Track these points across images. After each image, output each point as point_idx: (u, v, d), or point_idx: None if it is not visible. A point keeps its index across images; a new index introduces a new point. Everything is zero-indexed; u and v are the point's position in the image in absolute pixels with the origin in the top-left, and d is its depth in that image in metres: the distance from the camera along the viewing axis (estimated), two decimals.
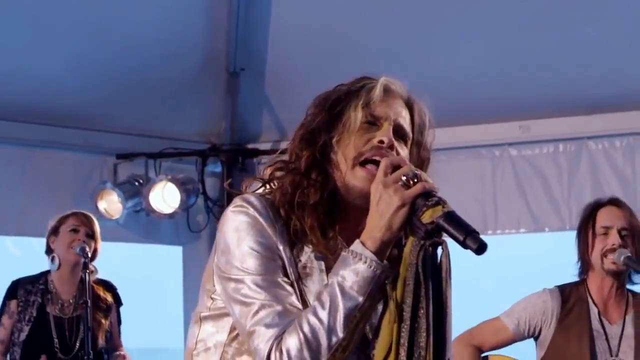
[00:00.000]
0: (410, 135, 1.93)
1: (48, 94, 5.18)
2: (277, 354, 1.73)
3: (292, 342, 1.72)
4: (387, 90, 1.92)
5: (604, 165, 5.24)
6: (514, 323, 3.65)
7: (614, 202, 3.67)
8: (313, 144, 1.89)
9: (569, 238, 3.78)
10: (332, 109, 1.91)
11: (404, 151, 1.90)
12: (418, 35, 4.97)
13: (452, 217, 1.69)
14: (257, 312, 1.77)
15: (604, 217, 3.60)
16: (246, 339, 1.80)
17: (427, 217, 1.69)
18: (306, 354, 1.72)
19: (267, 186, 1.94)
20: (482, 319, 3.79)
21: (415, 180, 1.74)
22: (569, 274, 3.71)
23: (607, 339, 3.56)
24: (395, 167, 1.78)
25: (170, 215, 5.50)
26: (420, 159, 1.95)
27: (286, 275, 1.83)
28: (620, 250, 3.51)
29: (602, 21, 4.66)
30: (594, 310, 3.60)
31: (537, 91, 5.10)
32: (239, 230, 1.84)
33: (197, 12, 5.18)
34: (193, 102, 5.55)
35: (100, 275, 4.66)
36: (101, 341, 4.53)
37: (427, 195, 1.72)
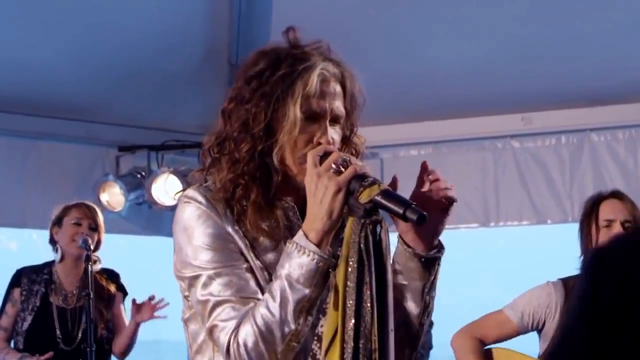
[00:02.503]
0: (344, 112, 1.95)
1: (50, 86, 5.17)
2: (235, 345, 1.80)
3: (248, 335, 1.79)
4: (323, 80, 1.92)
5: (606, 157, 5.24)
6: (517, 316, 3.63)
7: (617, 194, 3.65)
8: (252, 137, 1.90)
9: (571, 230, 3.76)
10: (269, 99, 1.89)
11: (337, 134, 1.93)
12: (419, 29, 4.95)
13: (389, 194, 1.76)
14: (213, 308, 1.84)
15: (606, 210, 3.58)
16: (208, 335, 1.88)
17: (364, 196, 1.76)
18: (262, 346, 1.79)
19: (208, 172, 1.97)
20: (484, 311, 3.78)
21: (346, 165, 1.80)
22: (571, 266, 3.69)
23: None
24: (323, 155, 1.83)
25: (173, 208, 5.47)
26: (350, 126, 1.99)
27: (243, 256, 1.88)
28: None
29: (605, 12, 4.64)
30: None
31: (539, 83, 5.08)
32: (187, 228, 1.90)
33: (198, 4, 5.16)
34: (195, 94, 5.54)
35: (103, 267, 4.66)
36: (102, 331, 4.52)
37: (361, 177, 1.78)
